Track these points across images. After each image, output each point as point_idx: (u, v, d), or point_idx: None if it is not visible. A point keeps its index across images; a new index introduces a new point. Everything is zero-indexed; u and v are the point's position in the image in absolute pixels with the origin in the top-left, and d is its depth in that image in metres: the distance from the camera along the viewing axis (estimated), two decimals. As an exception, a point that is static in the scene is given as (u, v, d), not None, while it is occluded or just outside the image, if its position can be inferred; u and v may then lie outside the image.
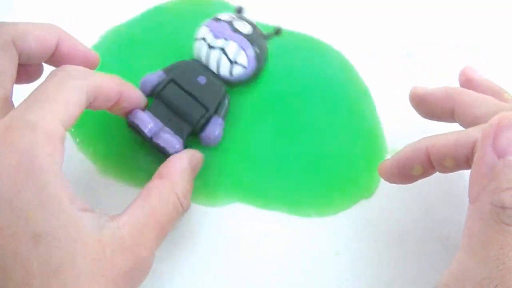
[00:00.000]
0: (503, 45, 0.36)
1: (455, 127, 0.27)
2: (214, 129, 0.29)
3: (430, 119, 0.29)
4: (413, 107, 0.29)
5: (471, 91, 0.27)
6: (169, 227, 0.25)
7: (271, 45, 0.34)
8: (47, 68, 0.28)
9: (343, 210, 0.30)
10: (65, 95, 0.23)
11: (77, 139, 0.31)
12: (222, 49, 0.29)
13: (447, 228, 0.29)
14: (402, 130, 0.32)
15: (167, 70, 0.30)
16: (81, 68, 0.25)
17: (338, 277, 0.28)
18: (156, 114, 0.28)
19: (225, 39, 0.29)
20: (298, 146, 0.31)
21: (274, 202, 0.30)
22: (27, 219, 0.20)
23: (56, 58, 0.26)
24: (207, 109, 0.29)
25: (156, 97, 0.29)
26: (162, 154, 0.28)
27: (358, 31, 0.36)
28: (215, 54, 0.29)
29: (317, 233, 0.29)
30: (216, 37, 0.29)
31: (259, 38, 0.31)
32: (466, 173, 0.23)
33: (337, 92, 0.33)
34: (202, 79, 0.29)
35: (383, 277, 0.28)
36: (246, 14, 0.35)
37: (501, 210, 0.20)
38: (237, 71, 0.29)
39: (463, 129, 0.26)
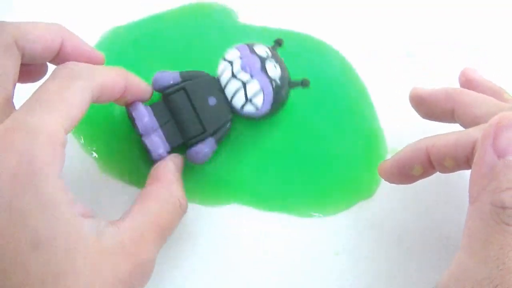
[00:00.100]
0: (503, 45, 0.36)
1: (455, 127, 0.27)
2: (203, 148, 0.28)
3: (430, 119, 0.29)
4: (413, 108, 0.29)
5: (471, 91, 0.27)
6: (170, 230, 0.24)
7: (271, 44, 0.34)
8: (52, 68, 0.28)
9: (343, 210, 0.30)
10: (68, 97, 0.22)
11: (81, 138, 0.31)
12: (244, 84, 0.28)
13: (447, 228, 0.29)
14: (402, 130, 0.32)
15: (183, 75, 0.29)
16: (85, 65, 0.24)
17: (338, 277, 0.28)
18: (156, 113, 0.28)
19: (251, 75, 0.28)
20: (298, 146, 0.31)
21: (274, 203, 0.30)
22: (26, 224, 0.20)
23: (61, 57, 0.26)
24: (204, 130, 0.28)
25: (163, 98, 0.29)
26: (148, 155, 0.28)
27: (358, 31, 0.36)
28: (235, 85, 0.29)
29: (317, 233, 0.29)
30: (243, 69, 0.29)
31: (284, 85, 0.29)
32: (466, 173, 0.23)
33: (337, 92, 0.33)
34: (212, 100, 0.29)
35: (383, 277, 0.28)
36: (247, 14, 0.35)
37: (501, 210, 0.20)
38: (249, 109, 0.29)
39: (463, 129, 0.26)
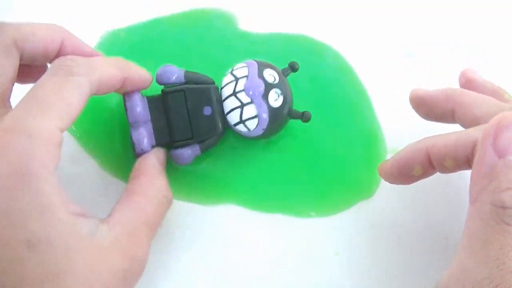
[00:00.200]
0: (503, 45, 0.36)
1: (455, 127, 0.27)
2: (187, 150, 0.28)
3: (430, 120, 0.29)
4: (414, 109, 0.29)
5: (471, 92, 0.27)
6: (158, 223, 0.25)
7: (270, 49, 0.34)
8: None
9: (343, 210, 0.30)
10: (65, 95, 0.22)
11: (78, 134, 0.31)
12: (242, 105, 0.28)
13: (447, 228, 0.29)
14: (402, 130, 0.32)
15: (188, 76, 0.29)
16: (82, 60, 0.24)
17: (338, 277, 0.28)
18: (151, 106, 0.28)
19: (251, 99, 0.28)
20: (298, 147, 0.31)
21: (274, 203, 0.30)
22: (21, 226, 0.20)
23: None
24: (192, 137, 0.28)
25: (162, 93, 0.29)
26: (132, 148, 0.28)
27: (358, 31, 0.36)
28: (233, 103, 0.28)
29: (317, 233, 0.29)
30: (245, 91, 0.28)
31: (281, 115, 0.29)
32: (466, 173, 0.23)
33: (336, 92, 0.33)
34: (207, 110, 0.28)
35: (383, 277, 0.28)
36: (247, 16, 0.35)
37: (502, 210, 0.20)
38: (241, 129, 0.28)
39: (463, 129, 0.26)
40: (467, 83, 0.30)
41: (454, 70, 0.31)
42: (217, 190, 0.30)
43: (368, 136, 0.32)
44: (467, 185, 0.22)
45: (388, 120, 0.32)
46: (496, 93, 0.28)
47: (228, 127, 0.29)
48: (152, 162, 0.27)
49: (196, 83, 0.29)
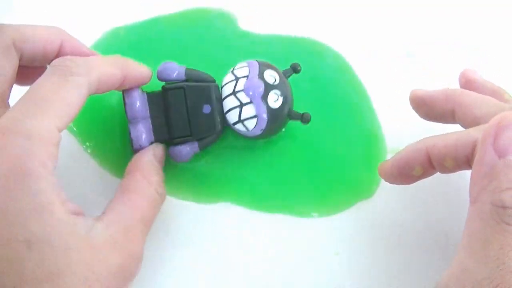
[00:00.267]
0: (503, 45, 0.36)
1: (455, 127, 0.27)
2: (186, 148, 0.28)
3: (430, 120, 0.29)
4: (414, 109, 0.29)
5: (471, 92, 0.27)
6: (151, 219, 0.25)
7: (270, 50, 0.34)
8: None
9: (343, 210, 0.30)
10: (63, 95, 0.22)
11: (77, 133, 0.31)
12: (241, 105, 0.28)
13: (447, 228, 0.29)
14: (402, 130, 0.32)
15: (188, 73, 0.29)
16: (81, 60, 0.24)
17: (338, 277, 0.28)
18: (151, 102, 0.28)
19: (250, 100, 0.28)
20: (298, 147, 0.31)
21: (274, 203, 0.30)
22: (21, 226, 0.20)
23: None
24: (190, 134, 0.28)
25: (162, 90, 0.29)
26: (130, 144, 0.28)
27: (358, 31, 0.36)
28: (232, 102, 0.28)
29: (317, 233, 0.29)
30: (245, 91, 0.28)
31: (281, 116, 0.29)
32: (466, 173, 0.23)
33: (336, 92, 0.33)
34: (207, 108, 0.28)
35: (383, 277, 0.28)
36: (247, 16, 0.35)
37: (502, 210, 0.20)
38: (240, 128, 0.28)
39: (464, 129, 0.26)
40: (467, 83, 0.30)
41: (454, 70, 0.31)
42: (216, 189, 0.30)
43: (368, 136, 0.32)
44: (467, 185, 0.22)
45: (388, 120, 0.32)
46: (496, 93, 0.28)
47: (227, 126, 0.29)
48: (148, 158, 0.27)
49: (197, 81, 0.29)
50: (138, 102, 0.27)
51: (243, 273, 0.28)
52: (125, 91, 0.28)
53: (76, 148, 0.31)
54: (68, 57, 0.24)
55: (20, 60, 0.25)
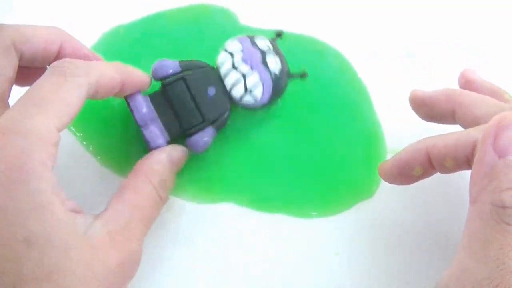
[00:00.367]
0: (503, 45, 0.36)
1: (456, 127, 0.27)
2: (203, 136, 0.28)
3: (431, 121, 0.29)
4: (414, 110, 0.29)
5: (471, 92, 0.27)
6: (151, 219, 0.25)
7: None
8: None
9: (343, 210, 0.30)
10: (62, 95, 0.22)
11: (77, 132, 0.31)
12: (244, 76, 0.29)
13: (447, 228, 0.29)
14: (402, 130, 0.32)
15: (183, 65, 0.29)
16: (80, 62, 0.24)
17: (338, 277, 0.28)
18: (154, 103, 0.28)
19: (251, 67, 0.29)
20: (298, 147, 0.31)
21: (274, 203, 0.30)
22: (20, 225, 0.20)
23: None
24: (204, 120, 0.28)
25: (162, 87, 0.29)
26: (146, 146, 0.28)
27: (358, 31, 0.36)
28: (234, 76, 0.29)
29: (317, 233, 0.29)
30: (244, 61, 0.29)
31: (283, 77, 0.30)
32: (466, 173, 0.23)
33: (336, 92, 0.33)
34: (211, 91, 0.29)
35: (383, 277, 0.28)
36: (247, 15, 0.35)
37: (502, 210, 0.20)
38: (248, 100, 0.29)
39: (464, 129, 0.26)
40: (467, 83, 0.30)
41: (454, 70, 0.31)
42: (216, 189, 0.30)
43: (368, 136, 0.32)
44: (467, 185, 0.22)
45: (388, 120, 0.32)
46: (496, 93, 0.28)
47: (233, 108, 0.29)
48: (158, 159, 0.26)
49: (193, 69, 0.29)
50: (144, 106, 0.28)
51: (243, 273, 0.28)
52: (128, 98, 0.28)
53: (76, 148, 0.31)
54: (68, 59, 0.24)
55: (20, 60, 0.25)
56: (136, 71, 0.27)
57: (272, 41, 0.31)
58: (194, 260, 0.28)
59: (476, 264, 0.20)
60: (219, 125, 0.29)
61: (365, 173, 0.31)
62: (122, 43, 0.34)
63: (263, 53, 0.29)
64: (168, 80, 0.29)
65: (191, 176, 0.30)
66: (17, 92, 0.25)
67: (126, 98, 0.28)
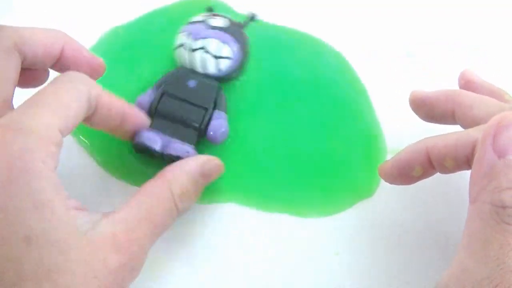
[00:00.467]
0: (503, 45, 0.36)
1: (456, 128, 0.27)
2: (219, 124, 0.29)
3: (431, 122, 0.29)
4: (414, 111, 0.29)
5: (470, 93, 0.27)
6: (164, 227, 0.24)
7: (270, 47, 0.34)
8: (53, 74, 0.28)
9: (343, 210, 0.30)
10: (64, 100, 0.23)
11: (79, 135, 0.31)
12: (203, 48, 0.29)
13: (447, 228, 0.29)
14: (402, 130, 0.32)
15: (156, 86, 0.30)
16: (85, 76, 0.24)
17: (338, 277, 0.28)
18: (160, 129, 0.28)
19: (204, 38, 0.29)
20: (298, 147, 0.31)
21: (274, 203, 0.30)
22: (20, 221, 0.20)
23: (61, 63, 0.26)
24: (206, 109, 0.29)
25: (155, 114, 0.29)
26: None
27: (358, 31, 0.36)
28: (198, 55, 0.29)
29: (317, 233, 0.29)
30: (195, 38, 0.29)
31: (237, 28, 0.31)
32: (466, 173, 0.23)
33: (336, 92, 0.33)
34: (192, 83, 0.29)
35: (383, 277, 0.28)
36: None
37: (501, 210, 0.20)
38: (224, 64, 0.29)
39: (464, 129, 0.26)
40: (467, 84, 0.30)
41: (454, 70, 0.31)
42: (217, 189, 0.30)
43: (368, 136, 0.32)
44: (467, 185, 0.22)
45: (388, 120, 0.32)
46: (495, 94, 0.28)
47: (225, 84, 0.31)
48: (185, 166, 0.26)
49: (162, 85, 0.30)
50: (154, 135, 0.28)
51: (243, 273, 0.28)
52: (137, 137, 0.28)
53: (76, 149, 0.31)
54: (73, 72, 0.25)
55: (22, 62, 0.26)
56: (136, 109, 0.28)
57: (208, 13, 0.31)
58: (193, 259, 0.28)
59: (476, 264, 0.20)
60: (221, 104, 0.30)
61: (365, 173, 0.31)
62: (122, 43, 0.34)
63: (204, 22, 0.30)
64: (153, 104, 0.29)
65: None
66: (18, 92, 0.25)
67: (134, 141, 0.28)
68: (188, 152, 0.27)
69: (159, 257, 0.28)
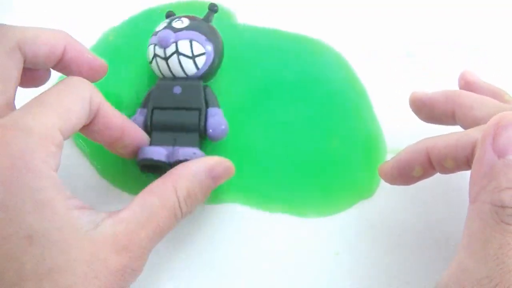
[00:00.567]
0: (503, 45, 0.36)
1: (456, 128, 0.27)
2: (217, 121, 0.29)
3: (431, 122, 0.29)
4: (414, 112, 0.29)
5: (470, 93, 0.27)
6: (167, 229, 0.24)
7: (269, 47, 0.34)
8: (55, 74, 0.28)
9: (343, 210, 0.30)
10: (66, 102, 0.23)
11: (78, 141, 0.31)
12: (176, 52, 0.29)
13: (447, 228, 0.29)
14: (402, 130, 0.32)
15: (143, 105, 0.30)
16: (88, 82, 0.25)
17: (338, 277, 0.28)
18: (161, 143, 0.28)
19: (173, 42, 0.29)
20: (297, 147, 0.31)
21: (274, 204, 0.30)
22: (21, 222, 0.20)
23: (63, 64, 0.27)
24: (199, 109, 0.29)
25: (152, 130, 0.29)
26: None
27: (358, 31, 0.36)
28: (173, 61, 0.29)
29: (317, 233, 0.29)
30: (166, 46, 0.29)
31: (201, 23, 0.31)
32: (466, 173, 0.23)
33: (336, 92, 0.33)
34: (177, 89, 0.29)
35: (383, 277, 0.28)
36: (245, 15, 0.35)
37: (501, 209, 0.20)
38: (201, 60, 0.29)
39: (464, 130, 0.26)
40: (467, 85, 0.30)
41: (454, 70, 0.31)
42: (217, 189, 0.30)
43: (368, 137, 0.32)
44: (467, 185, 0.22)
45: (388, 120, 0.32)
46: (496, 94, 0.28)
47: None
48: (192, 168, 0.25)
49: (147, 104, 0.30)
50: (161, 148, 0.28)
51: (243, 273, 0.28)
52: (140, 153, 0.28)
53: (76, 150, 0.31)
54: (77, 77, 0.25)
55: (24, 62, 0.26)
56: (136, 125, 0.28)
57: (168, 19, 0.31)
58: (193, 259, 0.28)
59: (475, 264, 0.20)
60: (212, 100, 0.30)
61: (365, 173, 0.31)
62: (122, 43, 0.34)
63: (168, 27, 0.30)
64: (147, 122, 0.29)
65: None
66: (18, 92, 0.25)
67: (138, 158, 0.28)
68: (195, 153, 0.27)
69: (159, 257, 0.28)
